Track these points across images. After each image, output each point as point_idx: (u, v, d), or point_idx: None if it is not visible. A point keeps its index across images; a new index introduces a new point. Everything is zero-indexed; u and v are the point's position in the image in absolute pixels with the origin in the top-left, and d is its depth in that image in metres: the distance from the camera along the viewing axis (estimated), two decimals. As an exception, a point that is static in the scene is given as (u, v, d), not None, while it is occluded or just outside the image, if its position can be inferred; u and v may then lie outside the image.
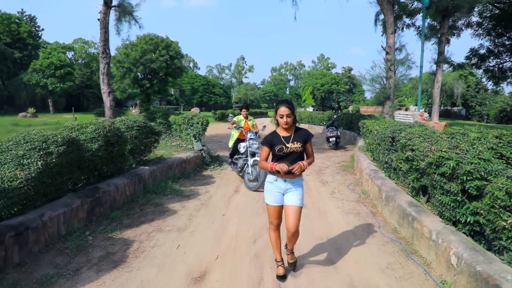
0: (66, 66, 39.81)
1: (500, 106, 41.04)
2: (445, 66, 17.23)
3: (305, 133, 3.11)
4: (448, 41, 13.11)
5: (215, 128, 23.56)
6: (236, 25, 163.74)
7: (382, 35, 11.57)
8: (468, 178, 3.01)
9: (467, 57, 17.02)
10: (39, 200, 3.74)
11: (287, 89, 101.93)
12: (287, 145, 2.99)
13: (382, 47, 9.27)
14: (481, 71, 17.49)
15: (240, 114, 7.70)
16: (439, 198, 3.52)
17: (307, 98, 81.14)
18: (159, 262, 3.52)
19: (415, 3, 13.00)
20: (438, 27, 10.52)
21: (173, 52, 38.23)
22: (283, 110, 2.94)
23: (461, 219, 3.30)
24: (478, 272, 2.65)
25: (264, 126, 7.69)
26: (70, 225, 3.95)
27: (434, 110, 10.56)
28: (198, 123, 9.05)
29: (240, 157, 7.44)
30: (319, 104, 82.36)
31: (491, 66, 16.46)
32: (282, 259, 3.26)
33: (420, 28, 12.97)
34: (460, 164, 3.05)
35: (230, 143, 7.77)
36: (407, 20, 13.32)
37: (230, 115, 7.94)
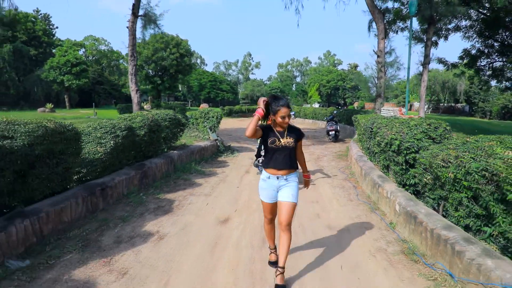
0: (82, 63, 41.58)
1: (502, 102, 41.82)
2: (440, 65, 18.50)
3: (298, 131, 3.18)
4: (436, 44, 14.40)
5: (224, 123, 24.98)
6: (243, 22, 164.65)
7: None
8: (407, 152, 4.45)
9: (460, 57, 18.21)
10: (109, 169, 5.26)
11: (293, 85, 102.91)
12: (281, 139, 3.05)
13: (373, 51, 10.65)
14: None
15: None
16: (393, 168, 4.97)
17: (313, 95, 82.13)
18: (196, 212, 5.02)
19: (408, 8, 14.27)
20: (425, 32, 11.82)
21: (183, 50, 39.77)
22: (286, 111, 2.97)
23: (407, 182, 4.74)
24: (408, 211, 4.09)
25: (294, 114, 5.87)
26: (129, 188, 5.48)
27: (421, 106, 11.89)
28: (213, 117, 10.57)
29: None
30: (325, 100, 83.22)
31: (482, 66, 17.67)
32: (275, 247, 3.40)
33: (413, 31, 14.25)
34: (402, 142, 4.49)
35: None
36: (401, 24, 14.62)
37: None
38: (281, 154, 3.07)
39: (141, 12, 11.38)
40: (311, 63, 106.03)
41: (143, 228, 4.27)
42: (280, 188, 3.12)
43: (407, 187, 4.77)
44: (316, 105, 72.38)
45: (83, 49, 65.88)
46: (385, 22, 14.40)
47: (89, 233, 4.00)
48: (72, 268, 3.23)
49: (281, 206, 3.08)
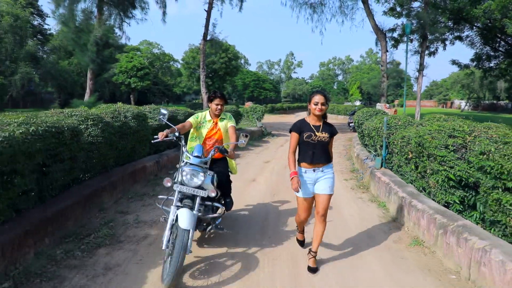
0: (145, 68, 48.54)
1: (543, 99, 41.79)
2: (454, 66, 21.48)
3: (333, 127, 3.21)
4: (434, 53, 17.58)
5: (267, 118, 29.38)
6: (285, 21, 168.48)
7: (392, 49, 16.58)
8: (361, 125, 8.60)
9: (472, 60, 21.03)
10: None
11: (335, 83, 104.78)
12: (317, 133, 3.05)
13: (377, 61, 14.20)
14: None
15: (208, 110, 3.93)
16: (359, 136, 9.12)
17: (354, 93, 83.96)
18: (249, 160, 9.53)
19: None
20: (421, 45, 15.20)
21: (231, 55, 44.98)
22: (319, 97, 3.03)
23: (365, 143, 8.85)
24: (357, 154, 8.26)
25: (246, 136, 3.55)
26: (215, 147, 10.15)
27: (417, 103, 15.26)
28: (259, 111, 15.11)
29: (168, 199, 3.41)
30: (366, 98, 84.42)
31: (490, 66, 20.39)
32: (303, 230, 3.62)
33: (419, 41, 17.65)
34: (359, 121, 8.65)
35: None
36: (410, 36, 17.95)
37: (161, 110, 3.67)
38: (316, 148, 3.09)
39: (209, 37, 16.22)
40: (353, 61, 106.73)
41: (227, 161, 8.88)
42: (318, 180, 3.14)
43: (364, 146, 8.89)
44: (358, 103, 74.36)
45: (139, 53, 73.89)
46: (397, 35, 18.03)
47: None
48: (204, 169, 7.87)
49: (318, 198, 3.16)
